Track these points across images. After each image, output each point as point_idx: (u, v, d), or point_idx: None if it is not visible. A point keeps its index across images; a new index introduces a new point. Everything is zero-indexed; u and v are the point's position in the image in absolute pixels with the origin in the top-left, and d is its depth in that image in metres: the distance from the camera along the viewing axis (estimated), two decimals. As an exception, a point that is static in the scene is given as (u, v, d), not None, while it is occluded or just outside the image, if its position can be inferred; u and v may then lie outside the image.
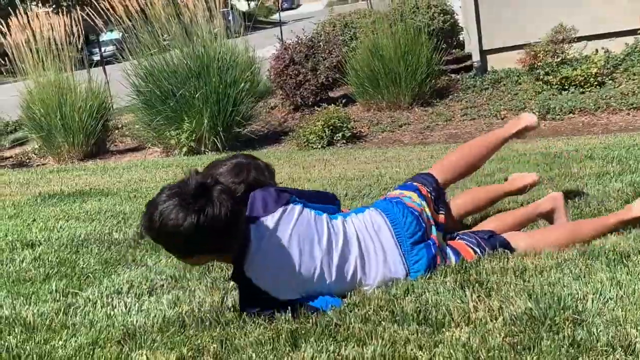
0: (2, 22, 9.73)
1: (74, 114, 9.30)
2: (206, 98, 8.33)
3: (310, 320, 2.30)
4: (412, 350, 2.00)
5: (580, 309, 2.13)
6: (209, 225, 2.28)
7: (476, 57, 9.98)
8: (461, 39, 11.75)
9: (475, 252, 2.77)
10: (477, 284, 2.42)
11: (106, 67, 12.58)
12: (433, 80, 9.28)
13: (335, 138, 7.96)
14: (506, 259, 2.67)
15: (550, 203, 3.21)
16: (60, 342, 2.40)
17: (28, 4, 11.69)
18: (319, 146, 7.83)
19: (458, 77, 10.01)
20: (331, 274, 2.51)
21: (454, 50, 11.74)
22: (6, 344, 2.39)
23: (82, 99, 9.42)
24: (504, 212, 3.39)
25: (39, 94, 9.55)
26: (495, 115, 8.12)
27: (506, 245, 2.81)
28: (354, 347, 2.08)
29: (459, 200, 3.35)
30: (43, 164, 9.56)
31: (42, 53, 9.73)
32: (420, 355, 1.97)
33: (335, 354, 2.05)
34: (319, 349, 2.09)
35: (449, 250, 2.75)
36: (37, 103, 9.51)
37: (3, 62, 10.10)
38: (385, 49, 9.05)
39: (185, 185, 2.33)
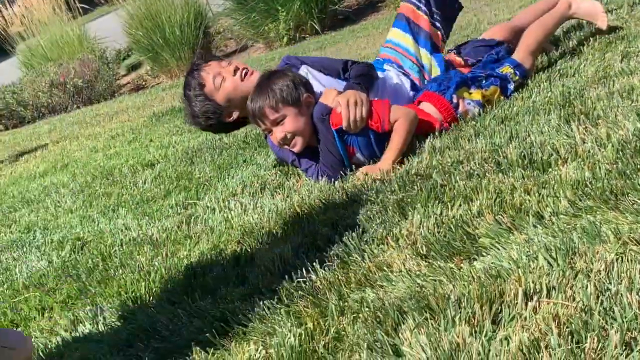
0: None
1: (174, 29, 9.41)
2: (294, -18, 8.18)
3: (415, 187, 2.27)
4: (519, 196, 1.93)
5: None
6: None
7: None
8: None
9: None
10: (582, 115, 2.27)
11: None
12: None
13: (433, -8, 7.61)
14: (612, 83, 2.49)
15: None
16: (185, 253, 2.50)
17: None
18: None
19: None
20: None
21: None
22: (137, 263, 2.52)
23: (178, 11, 9.49)
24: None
25: (137, 16, 9.71)
26: None
27: None
28: (460, 205, 2.03)
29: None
30: (158, 84, 9.83)
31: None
32: (528, 199, 1.89)
33: (442, 216, 2.01)
34: (426, 214, 2.05)
35: None
36: (137, 26, 9.69)
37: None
38: None
39: None
